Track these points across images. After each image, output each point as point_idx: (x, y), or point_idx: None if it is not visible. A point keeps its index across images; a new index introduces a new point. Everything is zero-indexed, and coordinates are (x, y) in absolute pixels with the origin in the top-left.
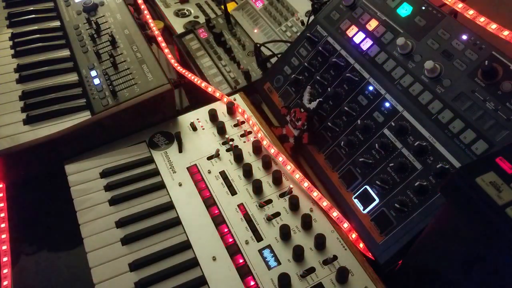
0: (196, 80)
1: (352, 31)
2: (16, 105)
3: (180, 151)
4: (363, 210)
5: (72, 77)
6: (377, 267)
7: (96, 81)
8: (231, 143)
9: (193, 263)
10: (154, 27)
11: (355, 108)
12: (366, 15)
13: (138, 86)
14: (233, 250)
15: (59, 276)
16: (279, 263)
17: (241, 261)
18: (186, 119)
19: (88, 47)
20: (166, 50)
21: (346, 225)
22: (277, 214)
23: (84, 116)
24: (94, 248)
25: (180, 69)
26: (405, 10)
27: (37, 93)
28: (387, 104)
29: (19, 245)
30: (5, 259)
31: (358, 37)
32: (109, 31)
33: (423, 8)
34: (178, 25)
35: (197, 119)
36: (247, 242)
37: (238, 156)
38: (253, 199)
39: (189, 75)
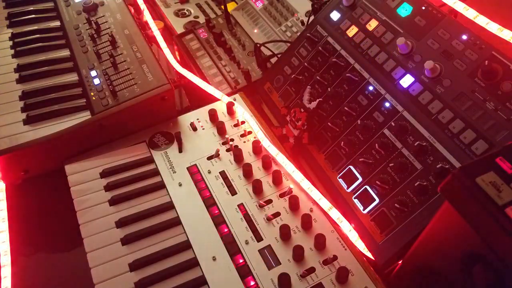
0: (196, 80)
1: (352, 31)
2: (16, 105)
3: (180, 151)
4: (363, 210)
5: (72, 77)
6: (377, 267)
7: (96, 81)
8: (231, 143)
9: (193, 263)
10: (154, 27)
11: (355, 108)
12: (366, 15)
13: (138, 86)
14: (233, 250)
15: (59, 276)
16: (279, 263)
17: (241, 261)
18: (186, 119)
19: (88, 47)
20: (166, 50)
21: (346, 225)
22: (277, 214)
23: (84, 116)
24: (94, 248)
25: (180, 69)
26: (405, 10)
27: (37, 93)
28: (387, 104)
29: (19, 245)
30: (5, 259)
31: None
32: (109, 31)
33: (423, 8)
34: (178, 25)
35: (197, 119)
36: (247, 242)
37: (238, 156)
38: (253, 199)
39: (189, 75)
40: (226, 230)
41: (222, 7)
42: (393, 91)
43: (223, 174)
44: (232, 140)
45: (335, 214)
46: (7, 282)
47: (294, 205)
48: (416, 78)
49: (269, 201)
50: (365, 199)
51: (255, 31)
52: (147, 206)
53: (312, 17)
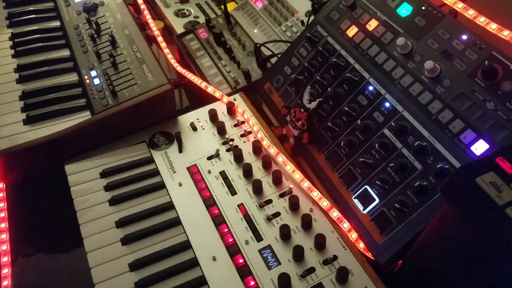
0: (196, 80)
1: (352, 31)
2: (16, 105)
3: (180, 151)
4: (363, 210)
5: (72, 77)
6: (377, 267)
7: (96, 81)
8: (231, 143)
9: (193, 263)
10: (154, 27)
11: (355, 108)
12: (366, 15)
13: (138, 86)
14: (233, 250)
15: (59, 276)
16: (279, 263)
17: (241, 261)
18: (186, 119)
19: (88, 47)
20: (166, 50)
21: (346, 225)
22: (277, 214)
23: (84, 116)
24: (94, 248)
25: (180, 69)
26: (405, 10)
27: (37, 93)
28: (387, 104)
29: (19, 245)
30: (5, 259)
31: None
32: (109, 31)
33: (423, 8)
34: (178, 25)
35: (197, 119)
36: (247, 242)
37: (238, 156)
38: (253, 199)
39: (189, 75)
40: (226, 230)
41: (222, 7)
42: (393, 91)
43: (223, 174)
44: (232, 140)
45: (335, 214)
46: (7, 282)
47: (294, 205)
48: (416, 78)
49: (269, 201)
50: (365, 199)
51: (255, 31)
52: (147, 206)
53: (312, 17)
